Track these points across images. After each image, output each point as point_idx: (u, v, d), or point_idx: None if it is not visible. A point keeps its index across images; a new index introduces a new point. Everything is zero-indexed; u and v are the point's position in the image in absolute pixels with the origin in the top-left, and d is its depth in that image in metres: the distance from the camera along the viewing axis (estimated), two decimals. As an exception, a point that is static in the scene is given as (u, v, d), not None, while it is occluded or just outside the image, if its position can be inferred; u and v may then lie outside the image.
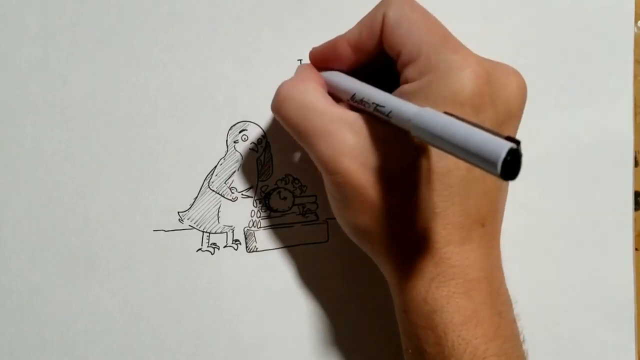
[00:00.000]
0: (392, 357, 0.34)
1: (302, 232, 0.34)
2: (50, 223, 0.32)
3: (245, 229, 0.33)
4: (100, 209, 0.32)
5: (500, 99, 0.25)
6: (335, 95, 0.28)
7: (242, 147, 0.33)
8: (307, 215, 0.34)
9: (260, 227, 0.33)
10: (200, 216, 0.33)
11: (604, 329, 0.35)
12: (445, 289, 0.25)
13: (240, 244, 0.33)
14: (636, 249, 0.36)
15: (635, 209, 0.35)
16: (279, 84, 0.28)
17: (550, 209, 0.35)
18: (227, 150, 0.33)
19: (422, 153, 0.25)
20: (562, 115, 0.34)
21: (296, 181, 0.33)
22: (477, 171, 0.25)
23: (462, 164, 0.24)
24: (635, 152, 0.35)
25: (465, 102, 0.24)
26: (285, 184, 0.33)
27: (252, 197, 0.33)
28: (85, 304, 0.32)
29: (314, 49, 0.30)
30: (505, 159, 0.18)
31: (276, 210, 0.34)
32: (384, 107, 0.24)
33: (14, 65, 0.31)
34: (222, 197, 0.33)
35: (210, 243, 0.33)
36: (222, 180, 0.33)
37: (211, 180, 0.33)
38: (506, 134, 0.20)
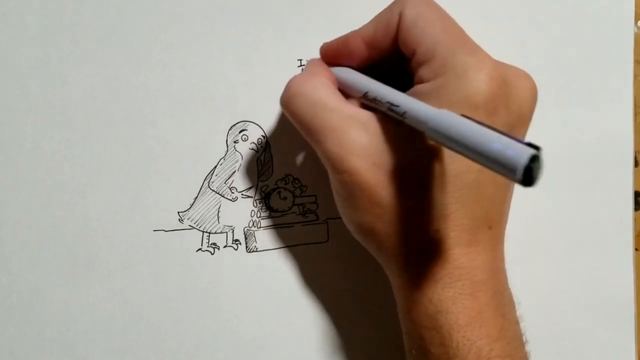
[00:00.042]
0: (392, 357, 0.34)
1: (302, 232, 0.34)
2: (50, 223, 0.32)
3: (245, 229, 0.33)
4: (100, 209, 0.32)
5: (513, 102, 0.25)
6: (346, 92, 0.28)
7: (242, 147, 0.33)
8: (307, 215, 0.34)
9: (260, 227, 0.33)
10: (200, 216, 0.33)
11: (604, 329, 0.35)
12: (451, 290, 0.25)
13: (240, 244, 0.33)
14: (636, 249, 0.36)
15: (635, 209, 0.35)
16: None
17: (550, 209, 0.35)
18: (227, 150, 0.33)
19: (435, 154, 0.25)
20: (562, 115, 0.34)
21: (296, 181, 0.33)
22: (487, 174, 0.25)
23: (473, 166, 0.24)
24: (635, 152, 0.35)
25: (480, 104, 0.24)
26: (285, 184, 0.33)
27: (252, 197, 0.33)
28: (85, 304, 0.32)
29: (325, 44, 0.29)
30: (526, 165, 0.18)
31: (276, 210, 0.34)
32: (398, 107, 0.24)
33: (14, 65, 0.31)
34: (222, 197, 0.33)
35: (210, 243, 0.33)
36: (222, 180, 0.33)
37: (211, 180, 0.33)
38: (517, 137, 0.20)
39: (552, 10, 0.34)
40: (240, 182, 0.33)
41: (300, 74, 0.28)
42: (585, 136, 0.35)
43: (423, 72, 0.25)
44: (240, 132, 0.33)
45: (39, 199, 0.32)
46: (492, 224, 0.26)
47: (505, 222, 0.28)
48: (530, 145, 0.18)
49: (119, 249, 0.32)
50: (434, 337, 0.25)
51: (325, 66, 0.29)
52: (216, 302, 0.33)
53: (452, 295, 0.25)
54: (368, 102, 0.26)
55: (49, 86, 0.32)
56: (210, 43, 0.32)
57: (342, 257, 0.34)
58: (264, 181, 0.33)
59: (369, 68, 0.28)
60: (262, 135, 0.33)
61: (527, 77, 0.26)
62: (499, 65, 0.25)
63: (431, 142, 0.24)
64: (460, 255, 0.25)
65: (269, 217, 0.33)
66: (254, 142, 0.33)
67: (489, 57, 0.25)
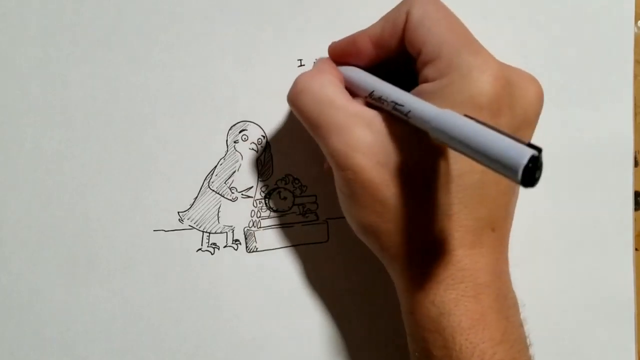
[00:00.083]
0: (392, 357, 0.34)
1: (302, 232, 0.34)
2: (50, 223, 0.32)
3: (245, 229, 0.33)
4: (100, 209, 0.32)
5: (518, 105, 0.25)
6: (352, 90, 0.28)
7: (242, 147, 0.33)
8: (307, 215, 0.34)
9: (260, 227, 0.33)
10: (200, 216, 0.33)
11: (604, 329, 0.35)
12: (454, 292, 0.25)
13: (240, 244, 0.33)
14: (636, 249, 0.36)
15: (635, 209, 0.35)
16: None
17: (550, 209, 0.35)
18: (227, 150, 0.33)
19: (440, 154, 0.25)
20: (562, 115, 0.34)
21: (296, 181, 0.33)
22: (491, 175, 0.24)
23: (477, 167, 0.24)
24: (635, 152, 0.35)
25: (483, 105, 0.24)
26: (285, 184, 0.33)
27: (252, 197, 0.33)
28: (85, 304, 0.32)
29: (333, 43, 0.29)
30: (526, 166, 0.18)
31: (276, 210, 0.34)
32: (403, 106, 0.24)
33: (14, 65, 0.31)
34: (222, 197, 0.33)
35: (210, 243, 0.33)
36: (222, 180, 0.33)
37: (211, 180, 0.33)
38: (519, 138, 0.20)
39: (552, 10, 0.34)
40: (240, 182, 0.33)
41: (308, 71, 0.28)
42: (585, 136, 0.35)
43: (428, 71, 0.25)
44: (240, 132, 0.33)
45: (39, 199, 0.32)
46: (496, 226, 0.26)
47: (510, 226, 0.28)
48: (531, 146, 0.18)
49: (119, 249, 0.32)
50: (437, 339, 0.25)
51: (333, 65, 0.29)
52: (216, 302, 0.33)
53: (455, 297, 0.25)
54: (374, 101, 0.26)
55: (49, 86, 0.32)
56: (210, 43, 0.32)
57: (342, 257, 0.34)
58: (263, 181, 0.33)
59: (376, 67, 0.28)
60: (262, 135, 0.33)
61: (533, 79, 0.26)
62: (504, 67, 0.25)
63: (435, 142, 0.24)
64: (464, 257, 0.25)
65: (269, 217, 0.33)
66: (254, 142, 0.33)
67: (494, 58, 0.25)
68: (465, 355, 0.24)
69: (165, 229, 0.33)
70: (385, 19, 0.27)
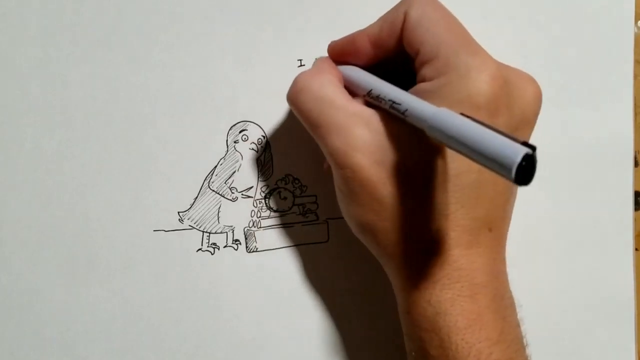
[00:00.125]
0: (392, 357, 0.34)
1: (302, 232, 0.34)
2: (50, 223, 0.32)
3: (245, 229, 0.33)
4: (100, 209, 0.32)
5: (516, 105, 0.25)
6: (351, 90, 0.28)
7: (242, 147, 0.33)
8: (307, 215, 0.34)
9: (260, 227, 0.33)
10: (200, 216, 0.33)
11: (604, 329, 0.35)
12: (450, 291, 0.25)
13: (240, 244, 0.33)
14: (636, 249, 0.36)
15: (635, 209, 0.35)
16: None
17: (550, 209, 0.35)
18: (227, 150, 0.33)
19: (437, 153, 0.25)
20: (562, 115, 0.34)
21: (296, 181, 0.33)
22: (489, 175, 0.25)
23: (474, 166, 0.24)
24: (635, 152, 0.35)
25: (481, 105, 0.24)
26: (285, 184, 0.33)
27: (252, 197, 0.33)
28: (85, 304, 0.32)
29: (332, 42, 0.29)
30: (520, 164, 0.18)
31: (276, 210, 0.34)
32: (400, 104, 0.24)
33: (14, 65, 0.31)
34: (222, 197, 0.33)
35: (210, 243, 0.33)
36: (222, 180, 0.33)
37: (211, 180, 0.33)
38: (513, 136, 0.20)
39: (552, 10, 0.34)
40: (240, 182, 0.33)
41: (307, 70, 0.28)
42: (585, 136, 0.35)
43: (426, 71, 0.25)
44: (240, 132, 0.33)
45: (39, 199, 0.32)
46: (493, 226, 0.26)
47: (507, 226, 0.28)
48: (525, 144, 0.18)
49: (119, 249, 0.32)
50: (433, 339, 0.25)
51: (333, 64, 0.29)
52: (216, 302, 0.33)
53: (451, 297, 0.25)
54: (372, 100, 0.26)
55: (49, 86, 0.32)
56: (210, 43, 0.32)
57: (342, 257, 0.34)
58: (264, 181, 0.33)
59: (375, 67, 0.28)
60: (262, 135, 0.33)
61: (531, 80, 0.26)
62: (501, 66, 0.25)
63: (432, 141, 0.24)
64: (460, 257, 0.25)
65: (269, 217, 0.33)
66: (254, 142, 0.33)
67: (492, 58, 0.25)
68: (462, 355, 0.24)
69: (165, 229, 0.33)
70: (383, 18, 0.27)
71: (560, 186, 0.35)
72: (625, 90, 0.35)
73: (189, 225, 0.33)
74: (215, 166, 0.33)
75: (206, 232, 0.33)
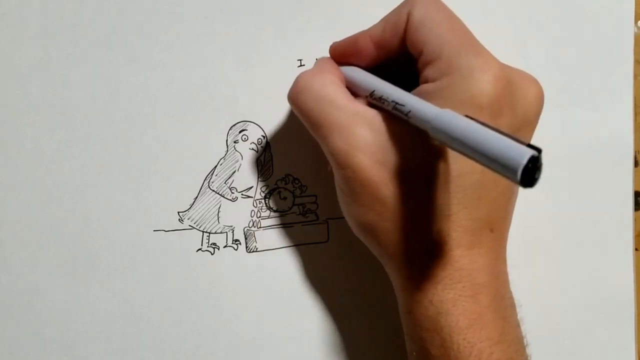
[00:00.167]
0: (392, 357, 0.34)
1: (302, 232, 0.34)
2: (50, 223, 0.32)
3: (245, 229, 0.33)
4: (100, 209, 0.32)
5: (519, 106, 0.25)
6: (353, 91, 0.28)
7: (242, 147, 0.33)
8: (307, 215, 0.34)
9: (260, 227, 0.33)
10: (200, 216, 0.33)
11: (604, 329, 0.35)
12: (451, 291, 0.25)
13: (240, 244, 0.33)
14: (636, 249, 0.36)
15: (635, 209, 0.35)
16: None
17: (550, 209, 0.35)
18: (227, 150, 0.33)
19: (439, 154, 0.25)
20: (562, 115, 0.34)
21: (296, 181, 0.33)
22: (490, 176, 0.25)
23: (476, 167, 0.24)
24: (635, 152, 0.35)
25: (484, 106, 0.24)
26: (285, 184, 0.33)
27: (252, 197, 0.33)
28: (85, 304, 0.32)
29: (334, 43, 0.29)
30: (525, 166, 0.18)
31: (276, 210, 0.34)
32: (403, 106, 0.24)
33: (14, 65, 0.31)
34: (222, 197, 0.33)
35: (210, 243, 0.33)
36: (222, 180, 0.33)
37: (211, 180, 0.33)
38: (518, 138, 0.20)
39: (552, 10, 0.34)
40: (240, 182, 0.33)
41: (309, 70, 0.28)
42: (585, 136, 0.35)
43: (429, 72, 0.25)
44: (240, 132, 0.33)
45: (39, 199, 0.32)
46: (494, 227, 0.26)
47: (508, 227, 0.28)
48: (531, 146, 0.18)
49: (119, 249, 0.32)
50: (435, 338, 0.25)
51: (334, 64, 0.29)
52: (216, 302, 0.33)
53: (453, 297, 0.25)
54: (374, 101, 0.26)
55: (49, 86, 0.32)
56: (210, 43, 0.32)
57: (342, 257, 0.34)
58: (263, 181, 0.33)
59: (377, 68, 0.28)
60: (262, 135, 0.33)
61: (533, 80, 0.26)
62: (504, 67, 0.25)
63: (435, 142, 0.24)
64: (462, 257, 0.25)
65: (269, 217, 0.33)
66: (254, 142, 0.33)
67: (495, 59, 0.25)
68: (463, 354, 0.24)
69: (165, 229, 0.33)
70: (386, 19, 0.27)
71: (560, 186, 0.35)
72: (625, 90, 0.35)
73: (189, 225, 0.33)
74: (215, 166, 0.33)
75: (206, 232, 0.33)
